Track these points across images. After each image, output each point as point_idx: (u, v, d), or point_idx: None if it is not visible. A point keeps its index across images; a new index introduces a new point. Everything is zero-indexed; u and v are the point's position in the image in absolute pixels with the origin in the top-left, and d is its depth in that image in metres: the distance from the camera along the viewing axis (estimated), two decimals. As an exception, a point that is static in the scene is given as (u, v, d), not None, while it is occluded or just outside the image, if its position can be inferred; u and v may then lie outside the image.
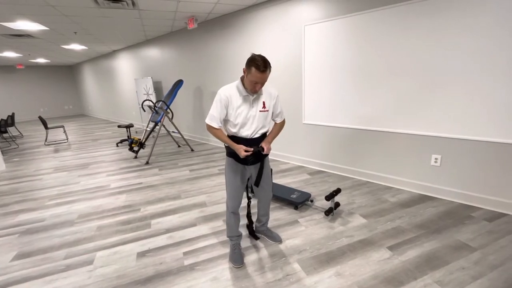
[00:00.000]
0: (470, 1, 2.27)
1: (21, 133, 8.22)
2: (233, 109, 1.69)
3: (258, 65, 1.55)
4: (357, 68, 3.09)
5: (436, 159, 2.73)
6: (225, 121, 1.77)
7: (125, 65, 8.11)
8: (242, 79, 1.70)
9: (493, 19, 2.20)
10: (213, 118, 1.71)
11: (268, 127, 1.86)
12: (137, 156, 4.90)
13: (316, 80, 3.51)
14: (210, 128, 1.74)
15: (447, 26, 2.41)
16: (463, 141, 2.54)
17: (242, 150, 1.69)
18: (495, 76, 2.27)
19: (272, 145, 1.88)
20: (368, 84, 3.04)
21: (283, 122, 1.96)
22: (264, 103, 1.75)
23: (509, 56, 2.18)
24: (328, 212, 2.47)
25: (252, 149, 1.71)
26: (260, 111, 1.74)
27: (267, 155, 1.91)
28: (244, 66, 1.64)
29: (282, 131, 1.98)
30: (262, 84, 1.65)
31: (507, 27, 2.15)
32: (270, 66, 1.61)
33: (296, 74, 3.71)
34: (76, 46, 6.88)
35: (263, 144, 1.77)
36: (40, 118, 6.70)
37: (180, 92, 5.83)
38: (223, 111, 1.70)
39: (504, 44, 2.18)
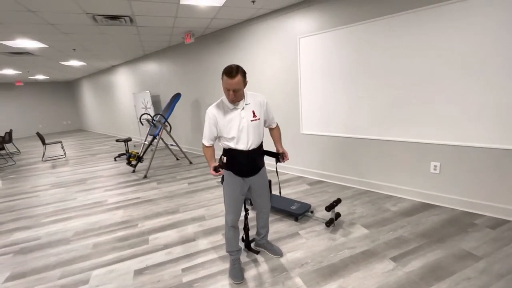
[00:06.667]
0: (462, 6, 2.33)
1: (18, 150, 8.19)
2: (223, 125, 1.72)
3: (227, 72, 1.58)
4: (351, 77, 3.13)
5: (435, 166, 2.73)
6: (220, 137, 1.80)
7: (123, 80, 8.20)
8: None
9: (484, 25, 2.25)
10: (204, 137, 1.79)
11: (262, 136, 1.87)
12: (135, 170, 4.87)
13: (313, 91, 3.55)
14: (203, 147, 1.82)
15: (437, 34, 2.47)
16: (461, 147, 2.55)
17: (211, 169, 1.71)
18: (491, 82, 2.30)
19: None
20: (363, 93, 3.07)
21: (278, 127, 2.03)
22: (254, 112, 1.76)
23: (503, 62, 2.22)
24: (329, 223, 2.44)
25: (219, 164, 1.76)
26: (251, 120, 1.74)
27: (263, 166, 1.94)
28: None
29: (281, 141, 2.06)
30: (236, 91, 1.63)
31: (497, 36, 2.20)
32: (242, 72, 1.61)
33: (293, 85, 3.75)
34: (75, 63, 6.97)
35: (282, 150, 1.94)
36: (38, 134, 6.69)
37: (178, 105, 5.86)
38: (212, 129, 1.75)
39: (496, 50, 2.23)
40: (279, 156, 1.93)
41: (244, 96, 1.74)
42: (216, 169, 1.70)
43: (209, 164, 1.77)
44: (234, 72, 1.57)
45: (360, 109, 3.14)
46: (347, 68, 3.15)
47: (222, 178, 1.84)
